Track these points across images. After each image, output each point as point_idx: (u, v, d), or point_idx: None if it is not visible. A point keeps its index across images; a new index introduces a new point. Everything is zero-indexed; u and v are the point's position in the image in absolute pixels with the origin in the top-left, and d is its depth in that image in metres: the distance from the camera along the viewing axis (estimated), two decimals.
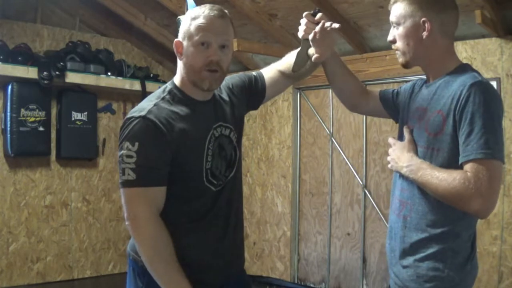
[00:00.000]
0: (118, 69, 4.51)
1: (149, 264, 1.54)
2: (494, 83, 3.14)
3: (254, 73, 1.91)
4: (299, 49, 1.80)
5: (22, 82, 3.99)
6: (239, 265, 1.79)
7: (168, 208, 1.58)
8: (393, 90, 1.83)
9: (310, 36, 1.70)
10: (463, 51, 3.33)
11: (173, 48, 1.65)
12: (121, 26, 4.65)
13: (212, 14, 1.58)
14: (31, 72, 3.95)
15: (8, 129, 3.98)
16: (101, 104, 4.67)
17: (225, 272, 1.69)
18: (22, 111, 4.01)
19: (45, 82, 3.99)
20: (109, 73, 4.40)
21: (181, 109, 1.60)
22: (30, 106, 4.04)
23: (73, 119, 4.33)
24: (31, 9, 4.41)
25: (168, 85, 1.67)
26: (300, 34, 1.74)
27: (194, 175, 1.59)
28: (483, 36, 3.27)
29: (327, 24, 1.65)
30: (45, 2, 4.46)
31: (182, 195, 1.60)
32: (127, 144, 1.50)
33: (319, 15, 1.70)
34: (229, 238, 1.70)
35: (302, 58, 1.78)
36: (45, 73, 3.98)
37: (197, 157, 1.59)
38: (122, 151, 1.50)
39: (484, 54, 3.25)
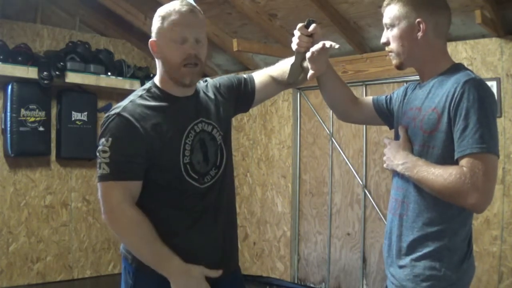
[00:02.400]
0: (118, 69, 4.51)
1: (137, 250, 1.58)
2: (494, 83, 3.14)
3: (244, 76, 1.92)
4: (293, 59, 1.79)
5: (22, 82, 3.99)
6: (231, 264, 1.79)
7: (156, 204, 1.60)
8: (386, 96, 1.84)
9: (308, 55, 1.69)
10: (463, 51, 3.33)
11: (152, 51, 1.67)
12: (121, 26, 4.66)
13: (184, 9, 1.60)
14: (31, 72, 3.95)
15: (8, 129, 3.98)
16: (101, 104, 4.67)
17: (214, 269, 1.68)
18: (22, 111, 4.01)
19: (45, 82, 3.99)
20: (109, 73, 4.40)
21: (157, 105, 1.63)
22: (30, 106, 4.04)
23: (73, 119, 4.33)
24: (31, 9, 4.41)
25: (148, 84, 1.70)
26: (294, 47, 1.74)
27: (171, 168, 1.61)
28: (483, 36, 3.27)
29: (327, 44, 1.64)
30: (45, 2, 4.47)
31: (166, 190, 1.62)
32: (102, 140, 1.56)
33: (312, 26, 1.69)
34: (218, 237, 1.70)
35: (296, 69, 1.79)
36: (45, 73, 3.98)
37: (172, 150, 1.61)
38: (99, 147, 1.56)
39: (484, 54, 3.25)
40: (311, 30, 1.69)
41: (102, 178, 1.54)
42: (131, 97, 1.65)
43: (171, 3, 1.64)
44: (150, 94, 1.65)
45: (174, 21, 1.59)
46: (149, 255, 1.56)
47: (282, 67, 1.88)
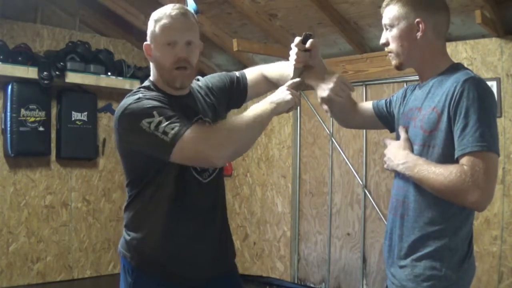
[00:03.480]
0: (118, 69, 4.51)
1: (235, 136, 1.52)
2: (494, 83, 3.14)
3: (236, 73, 1.92)
4: (289, 64, 1.78)
5: (22, 82, 3.99)
6: (229, 261, 1.80)
7: (159, 201, 1.60)
8: (386, 100, 1.84)
9: (324, 93, 1.67)
10: (463, 51, 3.33)
11: (146, 54, 1.67)
12: (121, 26, 4.66)
13: (174, 13, 1.60)
14: (31, 72, 3.95)
15: (8, 129, 3.98)
16: (101, 104, 4.67)
17: (212, 267, 1.70)
18: (22, 111, 4.01)
19: (45, 82, 3.99)
20: (109, 73, 4.40)
21: (163, 100, 1.61)
22: (30, 106, 4.04)
23: (73, 119, 4.33)
24: (31, 9, 4.41)
25: (146, 83, 1.69)
26: (291, 63, 1.73)
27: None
28: (483, 36, 3.27)
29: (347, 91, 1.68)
30: (45, 2, 4.47)
31: (171, 184, 1.61)
32: (146, 121, 1.48)
33: (309, 42, 1.68)
34: (216, 235, 1.72)
35: None
36: (45, 73, 3.98)
37: None
38: (147, 130, 1.47)
39: (484, 54, 3.25)
40: (308, 45, 1.69)
41: (177, 136, 1.45)
42: (137, 92, 1.62)
43: (165, 7, 1.64)
44: (149, 90, 1.65)
45: (165, 25, 1.59)
46: (258, 122, 1.55)
47: (279, 71, 1.87)
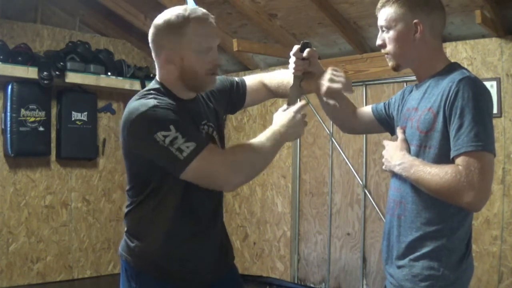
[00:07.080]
0: (118, 69, 4.51)
1: (252, 163, 1.53)
2: (494, 83, 3.14)
3: (236, 79, 1.92)
4: (289, 72, 1.79)
5: (22, 82, 3.99)
6: (227, 263, 1.81)
7: (166, 204, 1.60)
8: (385, 103, 1.85)
9: (323, 88, 1.70)
10: (463, 51, 3.33)
11: (164, 61, 1.60)
12: (121, 26, 4.66)
13: (209, 19, 1.57)
14: (31, 72, 3.95)
15: (8, 129, 3.98)
16: (101, 104, 4.67)
17: (215, 270, 1.70)
18: (22, 111, 4.01)
19: (45, 82, 3.99)
20: (109, 73, 4.40)
21: (173, 104, 1.59)
22: (30, 106, 4.05)
23: (73, 119, 4.33)
24: (31, 9, 4.41)
25: (156, 85, 1.64)
26: (290, 71, 1.75)
27: None
28: (483, 36, 3.27)
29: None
30: (45, 2, 4.47)
31: (178, 189, 1.59)
32: (161, 134, 1.44)
33: (306, 51, 1.70)
34: (218, 235, 1.73)
35: (296, 91, 1.79)
36: (45, 73, 3.98)
37: None
38: (161, 143, 1.44)
39: (484, 54, 3.25)
40: (305, 55, 1.70)
41: (193, 154, 1.43)
42: (149, 96, 1.56)
43: (177, 11, 1.56)
44: (161, 95, 1.59)
45: (204, 31, 1.55)
46: (271, 148, 1.56)
47: (278, 79, 1.89)
